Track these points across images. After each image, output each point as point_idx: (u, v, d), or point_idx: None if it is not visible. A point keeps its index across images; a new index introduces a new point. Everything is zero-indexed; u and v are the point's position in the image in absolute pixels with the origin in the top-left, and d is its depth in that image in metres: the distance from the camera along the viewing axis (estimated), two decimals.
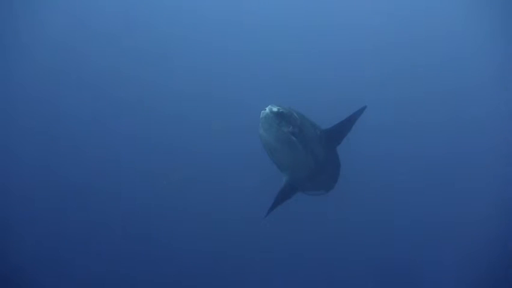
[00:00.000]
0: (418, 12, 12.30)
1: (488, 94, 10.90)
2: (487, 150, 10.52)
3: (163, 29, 12.66)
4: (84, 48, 11.92)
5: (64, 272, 8.44)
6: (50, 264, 8.49)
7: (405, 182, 9.96)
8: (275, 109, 3.97)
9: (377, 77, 11.76)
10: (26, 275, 8.19)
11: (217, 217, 9.13)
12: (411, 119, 11.31)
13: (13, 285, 8.03)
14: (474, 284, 8.66)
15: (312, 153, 4.25)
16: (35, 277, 8.24)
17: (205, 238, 9.08)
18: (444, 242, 9.25)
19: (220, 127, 9.43)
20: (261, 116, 3.99)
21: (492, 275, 8.51)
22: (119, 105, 11.38)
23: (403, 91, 11.62)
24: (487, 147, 10.52)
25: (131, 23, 12.52)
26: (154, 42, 12.45)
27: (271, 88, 10.26)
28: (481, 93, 11.13)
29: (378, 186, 9.60)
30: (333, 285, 8.65)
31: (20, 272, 8.17)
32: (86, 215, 9.42)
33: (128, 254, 8.92)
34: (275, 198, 4.50)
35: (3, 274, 7.97)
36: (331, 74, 11.73)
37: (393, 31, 12.32)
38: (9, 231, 8.84)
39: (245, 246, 8.73)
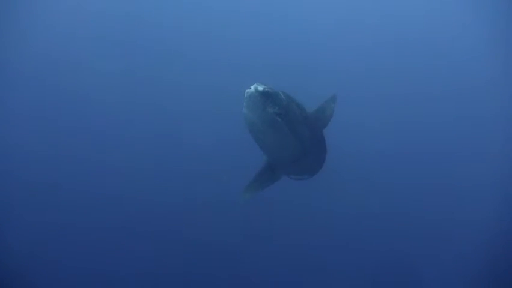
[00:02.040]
0: (418, 9, 12.12)
1: (490, 94, 10.83)
2: (487, 148, 10.47)
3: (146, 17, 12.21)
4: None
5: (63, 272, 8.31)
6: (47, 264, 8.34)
7: (405, 180, 9.93)
8: (261, 88, 3.77)
9: (376, 74, 11.63)
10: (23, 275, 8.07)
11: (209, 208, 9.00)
12: (411, 116, 11.25)
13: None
14: (474, 284, 8.69)
15: (297, 136, 4.10)
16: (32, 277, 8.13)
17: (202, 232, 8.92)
18: (443, 240, 9.25)
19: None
20: (245, 95, 3.79)
21: (492, 275, 8.52)
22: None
23: (403, 89, 11.55)
24: (488, 145, 10.47)
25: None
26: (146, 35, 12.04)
27: (258, 68, 10.04)
28: (483, 92, 11.05)
29: (378, 183, 9.55)
30: (329, 284, 8.61)
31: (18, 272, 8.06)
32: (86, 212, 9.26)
33: (128, 251, 8.78)
34: (253, 177, 4.42)
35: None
36: (328, 68, 11.51)
37: (394, 29, 12.17)
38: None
39: (237, 240, 8.66)
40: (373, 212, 9.29)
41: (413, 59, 11.91)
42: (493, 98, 10.70)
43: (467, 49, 11.51)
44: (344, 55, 11.85)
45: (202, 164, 9.48)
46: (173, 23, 12.02)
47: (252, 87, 3.79)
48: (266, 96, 3.79)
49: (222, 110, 8.72)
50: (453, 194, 9.86)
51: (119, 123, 10.67)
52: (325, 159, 4.93)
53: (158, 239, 8.77)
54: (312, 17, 12.43)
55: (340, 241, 8.91)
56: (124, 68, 11.21)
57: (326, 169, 5.09)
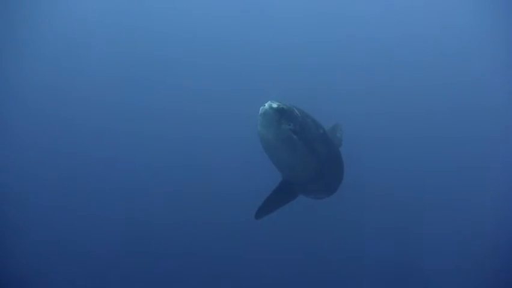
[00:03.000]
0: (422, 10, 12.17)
1: (492, 93, 10.77)
2: (491, 151, 10.43)
3: (162, 27, 12.43)
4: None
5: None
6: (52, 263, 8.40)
7: (408, 185, 9.79)
8: (275, 105, 3.71)
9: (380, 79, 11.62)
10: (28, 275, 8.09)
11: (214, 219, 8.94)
12: (411, 121, 11.19)
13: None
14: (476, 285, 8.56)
15: (314, 153, 3.97)
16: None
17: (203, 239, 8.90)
18: (448, 245, 9.15)
19: None
20: (259, 112, 3.72)
21: (496, 278, 8.40)
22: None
23: (401, 93, 11.52)
24: (491, 148, 10.43)
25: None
26: (153, 41, 12.22)
27: (272, 85, 10.06)
28: (484, 92, 11.01)
29: (381, 189, 9.41)
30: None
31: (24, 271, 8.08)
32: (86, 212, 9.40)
33: (129, 251, 8.85)
34: (267, 197, 4.23)
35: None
36: (334, 74, 11.55)
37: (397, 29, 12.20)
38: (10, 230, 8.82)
39: (245, 248, 8.55)
40: (378, 217, 9.15)
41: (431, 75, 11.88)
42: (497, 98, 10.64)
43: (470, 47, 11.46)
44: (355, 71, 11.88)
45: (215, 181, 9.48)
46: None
47: (266, 104, 3.73)
48: (281, 113, 3.71)
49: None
50: (462, 199, 9.76)
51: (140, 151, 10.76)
52: (342, 178, 4.78)
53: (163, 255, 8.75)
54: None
55: (351, 252, 8.80)
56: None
57: (342, 188, 4.96)
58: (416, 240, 9.01)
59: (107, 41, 11.92)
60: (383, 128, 10.62)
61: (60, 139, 10.50)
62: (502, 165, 10.10)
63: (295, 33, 12.26)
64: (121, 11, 12.39)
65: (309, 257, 8.56)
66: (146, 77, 11.71)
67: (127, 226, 9.10)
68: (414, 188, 9.69)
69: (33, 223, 8.98)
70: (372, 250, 8.81)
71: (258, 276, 8.33)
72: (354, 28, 12.37)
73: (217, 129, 10.38)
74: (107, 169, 10.08)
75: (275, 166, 4.09)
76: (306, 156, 3.92)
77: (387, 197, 9.28)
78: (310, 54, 12.02)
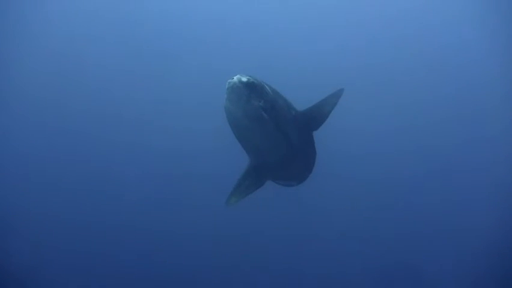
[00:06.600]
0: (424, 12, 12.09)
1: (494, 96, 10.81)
2: (488, 149, 10.49)
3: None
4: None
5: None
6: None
7: (405, 181, 9.79)
8: (245, 79, 3.40)
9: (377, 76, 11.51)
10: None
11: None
12: (412, 118, 11.21)
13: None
14: (474, 284, 8.61)
15: (284, 135, 3.71)
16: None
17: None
18: (444, 242, 9.24)
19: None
20: (227, 85, 3.40)
21: (492, 275, 8.45)
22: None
23: (404, 91, 11.44)
24: (489, 147, 10.50)
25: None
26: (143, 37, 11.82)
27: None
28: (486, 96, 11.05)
29: (379, 185, 9.36)
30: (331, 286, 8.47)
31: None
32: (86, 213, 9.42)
33: (128, 251, 8.91)
34: (237, 182, 3.94)
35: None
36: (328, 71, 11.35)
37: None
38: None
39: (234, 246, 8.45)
40: (376, 214, 9.20)
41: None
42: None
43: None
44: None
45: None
46: None
47: (235, 77, 3.42)
48: (250, 88, 3.41)
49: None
50: (458, 195, 9.86)
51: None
52: (314, 164, 4.52)
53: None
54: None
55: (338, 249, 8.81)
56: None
57: (315, 176, 4.72)
58: (412, 240, 9.08)
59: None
60: (368, 119, 10.56)
61: (61, 140, 10.45)
62: (502, 164, 10.13)
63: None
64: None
65: (297, 256, 8.51)
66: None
67: (126, 227, 9.08)
68: (395, 188, 9.70)
69: (33, 223, 8.94)
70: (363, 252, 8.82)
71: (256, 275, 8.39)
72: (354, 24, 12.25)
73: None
74: (107, 171, 10.09)
75: (242, 146, 3.81)
76: (276, 138, 3.64)
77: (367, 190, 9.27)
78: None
